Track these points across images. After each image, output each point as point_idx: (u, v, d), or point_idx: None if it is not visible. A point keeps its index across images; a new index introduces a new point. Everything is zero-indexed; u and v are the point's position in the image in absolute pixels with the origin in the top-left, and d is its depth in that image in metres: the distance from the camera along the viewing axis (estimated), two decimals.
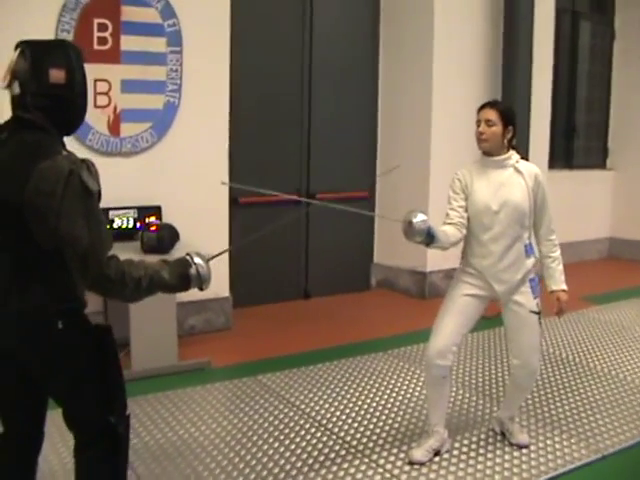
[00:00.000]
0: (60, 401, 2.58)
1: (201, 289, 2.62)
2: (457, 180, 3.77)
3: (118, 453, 2.62)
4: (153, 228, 5.02)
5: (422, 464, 3.74)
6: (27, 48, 2.39)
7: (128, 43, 5.41)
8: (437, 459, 3.81)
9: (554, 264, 3.82)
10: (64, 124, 2.48)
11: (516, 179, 3.68)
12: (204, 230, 5.67)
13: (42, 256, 2.37)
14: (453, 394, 4.72)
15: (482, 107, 3.74)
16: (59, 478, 3.51)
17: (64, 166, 2.28)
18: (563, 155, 9.47)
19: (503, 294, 3.76)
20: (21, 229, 2.32)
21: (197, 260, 2.57)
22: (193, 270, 2.54)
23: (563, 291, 3.80)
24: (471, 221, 3.73)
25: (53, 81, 2.37)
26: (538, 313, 3.78)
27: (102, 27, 5.30)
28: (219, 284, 6.09)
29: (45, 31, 5.02)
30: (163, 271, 2.48)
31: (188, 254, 2.59)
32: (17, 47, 2.41)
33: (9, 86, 2.40)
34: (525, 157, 7.19)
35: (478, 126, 3.70)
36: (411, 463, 3.76)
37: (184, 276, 2.53)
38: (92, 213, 2.33)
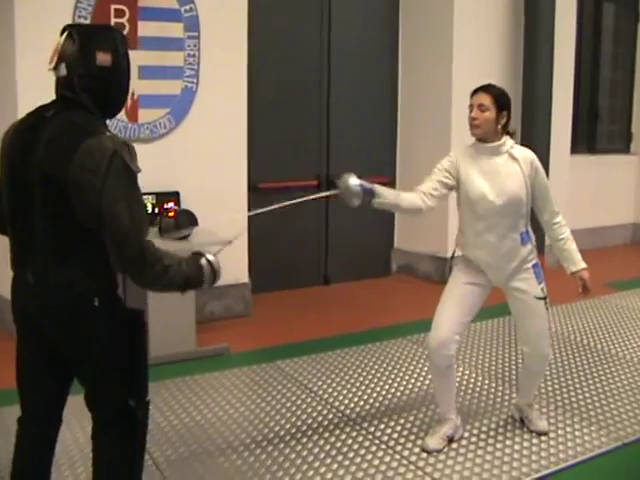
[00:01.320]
0: (84, 380, 2.60)
1: (212, 283, 2.63)
2: (448, 160, 3.68)
3: (135, 437, 2.64)
4: (171, 214, 5.02)
5: (438, 451, 3.72)
6: (75, 31, 2.44)
7: (145, 29, 5.39)
8: (455, 445, 3.78)
9: (566, 245, 3.71)
10: (108, 106, 2.53)
11: (512, 167, 3.56)
12: (222, 216, 5.65)
13: (81, 234, 2.40)
14: (472, 380, 4.70)
15: (475, 91, 3.60)
16: (77, 462, 3.52)
17: (108, 145, 2.33)
18: (586, 139, 9.35)
19: (498, 282, 3.72)
20: (63, 205, 2.35)
21: (209, 256, 2.61)
22: (204, 261, 2.58)
23: (584, 269, 3.70)
24: (466, 210, 3.66)
25: (100, 63, 2.42)
26: (544, 298, 3.72)
27: (119, 13, 5.29)
28: (238, 270, 6.09)
29: (63, 17, 5.00)
30: (183, 262, 2.51)
31: (199, 251, 2.63)
32: (64, 31, 2.46)
33: (56, 68, 2.45)
34: (547, 141, 7.12)
35: (470, 111, 3.57)
36: (426, 451, 3.73)
37: (199, 267, 2.56)
38: (133, 194, 2.37)
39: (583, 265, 3.71)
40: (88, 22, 5.11)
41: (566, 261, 3.73)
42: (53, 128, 2.41)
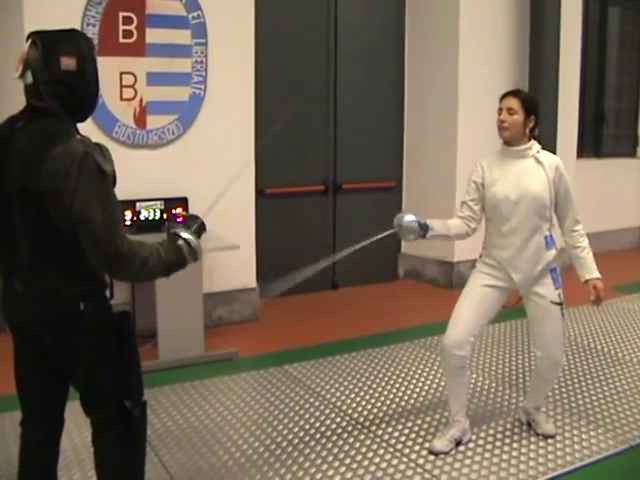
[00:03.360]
0: (78, 384, 2.63)
1: (195, 260, 2.66)
2: (476, 171, 3.77)
3: (134, 437, 2.66)
4: (180, 219, 5.05)
5: (445, 454, 3.74)
6: (38, 38, 2.44)
7: (153, 36, 5.44)
8: (462, 448, 3.80)
9: (583, 253, 3.75)
10: (77, 110, 2.52)
11: (536, 169, 3.64)
12: (230, 221, 5.69)
13: (62, 240, 2.42)
14: (479, 384, 4.72)
15: (504, 95, 3.71)
16: (87, 465, 3.57)
17: (78, 148, 2.34)
18: (592, 143, 9.34)
19: (522, 285, 3.75)
20: (41, 214, 2.37)
21: (184, 234, 2.61)
22: (181, 242, 2.58)
23: (598, 279, 3.72)
24: (491, 212, 3.72)
25: (64, 68, 2.41)
26: (560, 304, 3.74)
27: (127, 20, 5.33)
28: (246, 275, 6.13)
29: (71, 25, 4.98)
30: (160, 249, 2.52)
31: (174, 232, 2.63)
32: (28, 38, 2.47)
33: (22, 76, 2.45)
34: (553, 145, 7.13)
35: (499, 114, 3.67)
36: (433, 453, 3.75)
37: (178, 249, 2.57)
38: (106, 194, 2.38)
39: (597, 274, 3.72)
40: (96, 29, 5.16)
41: (581, 269, 3.75)
42: (23, 139, 2.42)
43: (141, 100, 5.43)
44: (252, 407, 4.39)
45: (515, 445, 3.87)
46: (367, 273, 7.50)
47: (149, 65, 5.42)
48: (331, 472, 3.57)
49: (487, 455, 3.75)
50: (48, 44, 2.43)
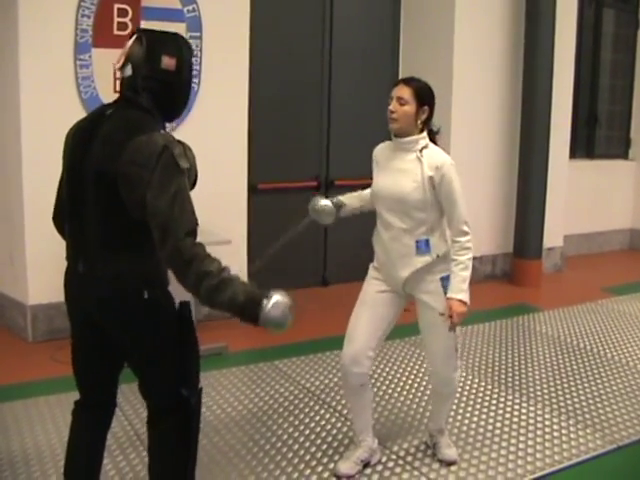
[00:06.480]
0: (137, 370, 2.68)
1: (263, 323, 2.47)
2: (373, 157, 3.58)
3: (190, 426, 2.69)
4: None
5: (350, 477, 3.49)
6: (144, 35, 2.56)
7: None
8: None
9: (457, 268, 3.28)
10: (168, 109, 2.63)
11: (414, 167, 3.30)
12: (223, 216, 5.69)
13: (132, 229, 2.47)
14: (468, 382, 4.73)
15: (396, 83, 3.39)
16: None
17: (159, 141, 2.42)
18: (585, 145, 9.38)
19: (395, 289, 3.48)
20: (115, 200, 2.42)
21: (277, 297, 2.47)
22: (267, 300, 2.45)
23: (459, 300, 3.25)
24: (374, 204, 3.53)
25: (164, 67, 2.53)
26: (450, 316, 3.29)
27: (122, 12, 5.31)
28: (238, 270, 6.08)
29: (66, 17, 5.05)
30: (238, 282, 2.42)
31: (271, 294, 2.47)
32: (133, 34, 2.59)
33: (122, 68, 2.56)
34: (546, 146, 7.11)
35: (389, 104, 3.33)
36: (337, 477, 3.49)
37: (255, 300, 2.43)
38: (179, 189, 2.41)
39: (460, 296, 3.26)
40: (90, 21, 5.14)
41: (449, 285, 3.32)
42: (109, 125, 2.51)
43: None
44: (241, 402, 4.38)
45: (504, 444, 3.88)
46: (358, 270, 7.43)
47: None
48: (320, 468, 3.58)
49: (475, 453, 3.76)
50: (153, 42, 2.55)
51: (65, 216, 2.64)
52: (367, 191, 3.67)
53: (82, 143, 2.54)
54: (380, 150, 3.55)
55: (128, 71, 2.54)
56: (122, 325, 2.56)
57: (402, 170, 3.33)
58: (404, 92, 3.30)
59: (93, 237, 2.51)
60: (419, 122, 3.33)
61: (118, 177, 2.39)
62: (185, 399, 2.64)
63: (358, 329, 3.46)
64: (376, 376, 4.83)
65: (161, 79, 2.53)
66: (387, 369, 4.99)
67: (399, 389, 4.63)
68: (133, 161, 2.38)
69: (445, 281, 3.34)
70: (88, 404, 2.78)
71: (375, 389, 4.58)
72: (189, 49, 2.66)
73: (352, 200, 3.72)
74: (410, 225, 3.32)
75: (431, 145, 3.38)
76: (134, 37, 2.57)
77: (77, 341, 2.74)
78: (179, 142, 2.48)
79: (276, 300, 2.45)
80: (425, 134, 3.38)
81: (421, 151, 3.32)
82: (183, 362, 2.65)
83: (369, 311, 3.49)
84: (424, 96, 3.34)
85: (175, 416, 2.65)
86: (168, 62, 2.53)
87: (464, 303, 3.26)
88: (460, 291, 3.26)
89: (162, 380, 2.64)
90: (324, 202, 3.68)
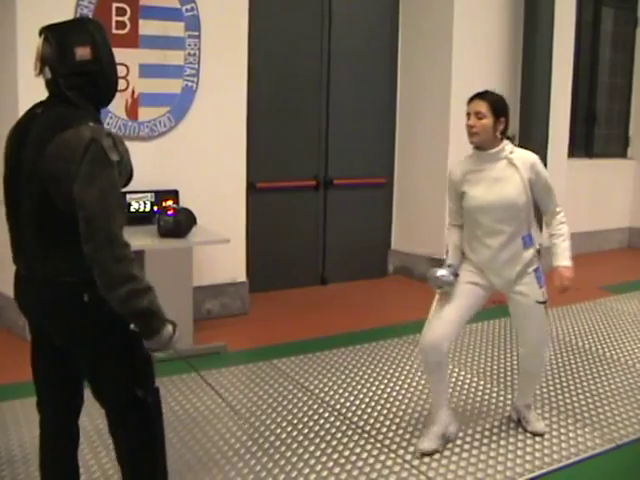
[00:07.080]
0: (88, 375, 2.64)
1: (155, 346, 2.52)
2: (449, 180, 3.72)
3: (150, 423, 2.67)
4: (170, 212, 5.04)
5: (433, 451, 3.70)
6: (49, 32, 2.45)
7: (146, 27, 5.41)
8: (450, 445, 3.80)
9: (558, 240, 3.66)
10: (98, 97, 2.53)
11: (510, 173, 3.55)
12: (221, 214, 5.70)
13: (67, 226, 2.39)
14: (467, 381, 4.73)
15: (471, 99, 3.58)
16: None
17: (86, 134, 2.35)
18: (583, 143, 9.36)
19: (502, 287, 3.72)
20: (45, 198, 2.38)
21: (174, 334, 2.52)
22: (169, 325, 2.50)
23: (565, 267, 3.64)
24: (467, 216, 3.68)
25: (80, 59, 2.42)
26: (544, 302, 3.70)
27: (120, 11, 5.31)
28: (236, 269, 6.12)
29: (64, 16, 4.95)
30: (154, 293, 2.43)
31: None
32: (40, 34, 2.47)
33: (41, 73, 2.47)
34: (544, 145, 7.12)
35: (468, 119, 3.54)
36: (423, 454, 3.69)
37: (163, 317, 2.47)
38: (108, 182, 2.36)
39: (566, 263, 3.65)
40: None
41: (553, 256, 3.69)
42: (39, 124, 2.46)
43: (133, 92, 5.41)
44: (240, 401, 4.38)
45: (502, 442, 3.88)
46: (357, 269, 7.51)
47: (142, 57, 5.40)
48: (319, 467, 3.57)
49: (474, 452, 3.76)
50: (60, 37, 2.44)
51: (8, 220, 2.58)
52: (452, 231, 3.82)
53: (17, 144, 2.50)
54: (460, 167, 3.68)
55: (47, 74, 2.45)
56: (62, 329, 2.53)
57: (500, 179, 3.55)
58: (481, 106, 3.51)
59: (30, 238, 2.47)
60: (497, 133, 3.54)
61: (46, 174, 2.34)
62: (140, 400, 2.60)
63: (444, 312, 3.66)
64: (376, 376, 4.83)
65: (81, 72, 2.43)
66: (386, 368, 4.99)
67: (398, 388, 4.64)
68: (60, 156, 2.32)
69: (538, 272, 3.69)
70: (50, 406, 2.74)
71: (375, 389, 4.59)
72: (100, 29, 2.51)
73: (456, 254, 3.78)
74: (517, 226, 3.59)
75: (514, 147, 3.63)
76: (42, 37, 2.46)
77: (34, 341, 2.73)
78: (110, 134, 2.41)
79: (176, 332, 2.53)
80: (507, 141, 3.61)
81: (510, 155, 3.56)
82: (133, 361, 2.59)
83: (456, 300, 3.67)
84: (500, 109, 3.55)
85: (133, 417, 2.62)
86: (82, 52, 2.41)
87: (571, 268, 3.63)
88: (567, 258, 3.64)
89: (114, 382, 2.59)
90: (442, 273, 3.68)
